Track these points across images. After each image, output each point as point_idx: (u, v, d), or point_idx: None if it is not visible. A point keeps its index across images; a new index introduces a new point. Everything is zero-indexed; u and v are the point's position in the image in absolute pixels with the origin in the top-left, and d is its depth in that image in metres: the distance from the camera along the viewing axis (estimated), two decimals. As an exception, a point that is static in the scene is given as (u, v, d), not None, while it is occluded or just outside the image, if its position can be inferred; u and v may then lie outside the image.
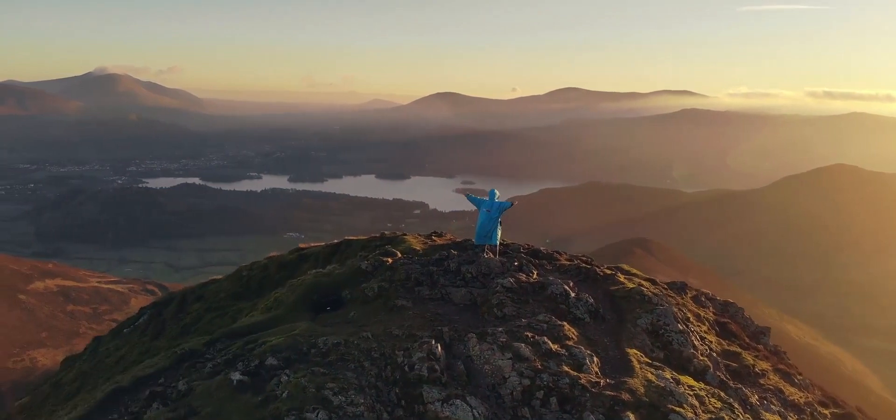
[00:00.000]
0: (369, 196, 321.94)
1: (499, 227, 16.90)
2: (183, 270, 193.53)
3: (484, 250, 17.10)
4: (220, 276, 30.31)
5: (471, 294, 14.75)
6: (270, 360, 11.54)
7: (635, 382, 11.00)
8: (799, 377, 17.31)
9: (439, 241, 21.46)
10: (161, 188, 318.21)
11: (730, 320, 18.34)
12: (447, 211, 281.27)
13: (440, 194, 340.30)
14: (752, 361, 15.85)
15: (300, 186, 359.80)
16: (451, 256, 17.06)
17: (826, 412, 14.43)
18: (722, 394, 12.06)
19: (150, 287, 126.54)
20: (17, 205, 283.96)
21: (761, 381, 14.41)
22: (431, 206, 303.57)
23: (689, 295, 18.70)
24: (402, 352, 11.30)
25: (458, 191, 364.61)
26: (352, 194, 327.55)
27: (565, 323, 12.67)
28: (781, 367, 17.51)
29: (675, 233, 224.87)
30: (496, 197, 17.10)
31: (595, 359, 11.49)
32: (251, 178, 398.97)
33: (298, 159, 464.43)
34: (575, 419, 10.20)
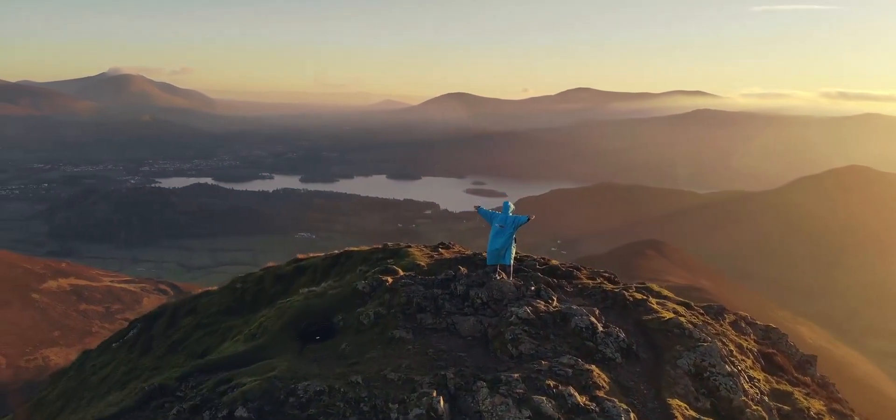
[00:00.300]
0: (380, 196, 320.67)
1: (513, 244, 14.83)
2: (195, 270, 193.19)
3: (496, 271, 15.08)
4: (215, 287, 28.76)
5: (481, 324, 12.76)
6: (240, 412, 9.70)
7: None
8: (854, 416, 15.26)
9: (446, 255, 19.53)
10: (173, 188, 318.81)
11: (774, 350, 16.22)
12: (458, 211, 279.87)
13: (451, 194, 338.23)
14: (805, 404, 13.71)
15: (311, 187, 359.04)
16: (458, 276, 15.06)
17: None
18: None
19: (162, 286, 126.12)
20: (30, 204, 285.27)
21: (818, 428, 12.33)
22: (442, 207, 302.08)
23: (727, 320, 16.60)
24: (397, 405, 9.32)
25: (468, 191, 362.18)
26: (363, 194, 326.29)
27: (594, 367, 10.56)
28: (836, 406, 15.40)
29: (686, 234, 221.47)
30: (510, 210, 15.03)
31: (631, 415, 9.41)
32: (263, 178, 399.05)
33: (310, 159, 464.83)
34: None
